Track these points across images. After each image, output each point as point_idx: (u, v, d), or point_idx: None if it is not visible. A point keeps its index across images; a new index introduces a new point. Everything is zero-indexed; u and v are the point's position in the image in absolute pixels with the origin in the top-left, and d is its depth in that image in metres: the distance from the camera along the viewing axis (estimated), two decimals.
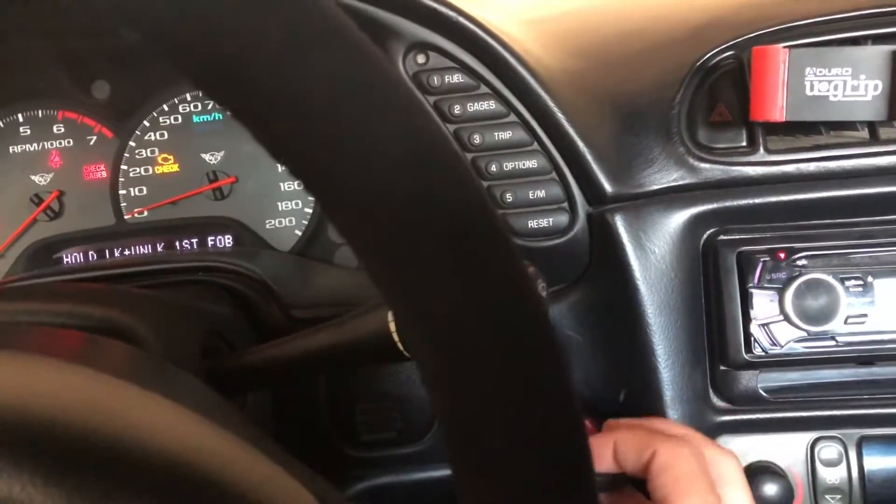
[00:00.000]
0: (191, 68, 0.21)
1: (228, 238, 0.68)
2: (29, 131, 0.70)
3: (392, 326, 0.40)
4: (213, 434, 0.28)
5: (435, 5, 0.53)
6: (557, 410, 0.23)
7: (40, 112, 0.69)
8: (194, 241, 0.68)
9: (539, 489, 0.23)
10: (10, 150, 0.69)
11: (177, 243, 0.69)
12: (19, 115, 0.69)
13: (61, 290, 0.50)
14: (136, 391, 0.29)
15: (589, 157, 0.53)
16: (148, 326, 0.44)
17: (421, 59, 0.55)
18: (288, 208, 0.69)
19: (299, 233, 0.68)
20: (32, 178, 0.69)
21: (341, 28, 0.21)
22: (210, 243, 0.69)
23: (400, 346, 0.40)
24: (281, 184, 0.68)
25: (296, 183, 0.69)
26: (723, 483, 0.42)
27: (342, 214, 0.22)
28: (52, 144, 0.69)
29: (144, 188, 0.69)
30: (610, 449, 0.44)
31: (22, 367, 0.29)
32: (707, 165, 0.53)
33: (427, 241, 0.21)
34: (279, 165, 0.68)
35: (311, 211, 0.68)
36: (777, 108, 0.48)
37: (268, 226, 0.69)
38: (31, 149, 0.69)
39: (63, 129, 0.69)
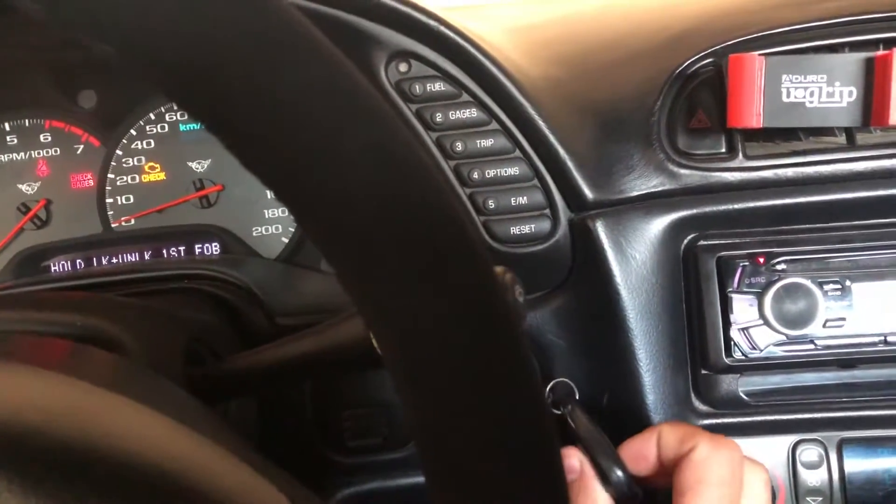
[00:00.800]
0: (161, 82, 0.21)
1: (215, 246, 0.69)
2: (16, 140, 0.70)
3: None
4: (192, 441, 0.28)
5: (416, 14, 0.54)
6: (526, 421, 0.23)
7: (27, 121, 0.70)
8: (181, 249, 0.69)
9: (508, 499, 0.23)
10: None
11: (164, 251, 0.69)
12: (6, 125, 0.70)
13: (44, 299, 0.50)
14: (116, 399, 0.29)
15: (570, 164, 0.54)
16: (130, 334, 0.44)
17: (403, 67, 0.55)
18: (274, 216, 0.69)
19: (286, 240, 0.69)
20: (20, 186, 0.70)
21: (311, 39, 0.21)
22: (197, 251, 0.69)
23: (380, 352, 0.40)
24: (267, 191, 0.69)
25: None
26: (746, 494, 0.41)
27: (310, 221, 0.22)
28: (39, 153, 0.70)
29: (131, 196, 0.69)
30: (654, 439, 0.43)
31: (2, 375, 0.29)
32: (687, 171, 0.53)
33: (394, 250, 0.22)
34: None
35: None
36: (754, 114, 0.49)
37: (254, 233, 0.69)
38: (19, 158, 0.70)
39: (50, 138, 0.70)
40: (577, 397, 0.56)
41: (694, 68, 0.54)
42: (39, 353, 0.39)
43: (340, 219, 0.22)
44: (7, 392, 0.27)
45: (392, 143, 0.22)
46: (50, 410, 0.26)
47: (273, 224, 0.69)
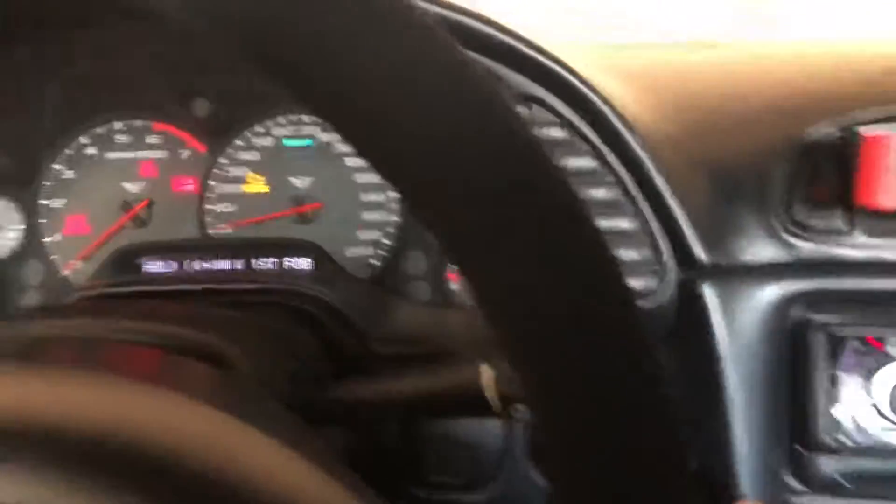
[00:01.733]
0: (266, 59, 0.20)
1: (307, 262, 0.69)
2: (125, 139, 0.72)
3: (484, 382, 0.41)
4: (298, 466, 0.28)
5: (542, 59, 0.54)
6: (667, 447, 0.23)
7: (138, 122, 0.71)
8: (273, 261, 0.69)
9: None
10: (106, 157, 0.71)
11: (255, 262, 0.70)
12: (117, 124, 0.71)
13: (160, 312, 0.51)
14: (229, 420, 0.29)
15: (683, 223, 0.53)
16: (242, 352, 0.45)
17: (524, 111, 0.55)
18: (368, 238, 0.69)
19: (377, 263, 0.69)
20: (124, 185, 0.71)
21: (422, 20, 0.21)
22: (287, 265, 0.69)
23: (491, 403, 0.40)
24: (364, 213, 0.69)
25: (378, 213, 0.70)
26: None
27: (429, 211, 0.22)
28: (146, 154, 0.71)
29: (230, 205, 0.70)
30: None
31: (109, 387, 0.29)
32: (802, 244, 0.52)
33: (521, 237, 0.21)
34: (364, 195, 0.69)
35: (389, 243, 0.69)
36: (886, 195, 0.48)
37: (347, 254, 0.69)
38: (126, 157, 0.71)
39: (158, 141, 0.71)
40: None
41: (819, 137, 0.53)
42: (145, 366, 0.39)
43: (464, 207, 0.21)
44: (110, 404, 0.27)
45: (514, 132, 0.21)
46: (149, 427, 0.26)
47: (366, 246, 0.69)
